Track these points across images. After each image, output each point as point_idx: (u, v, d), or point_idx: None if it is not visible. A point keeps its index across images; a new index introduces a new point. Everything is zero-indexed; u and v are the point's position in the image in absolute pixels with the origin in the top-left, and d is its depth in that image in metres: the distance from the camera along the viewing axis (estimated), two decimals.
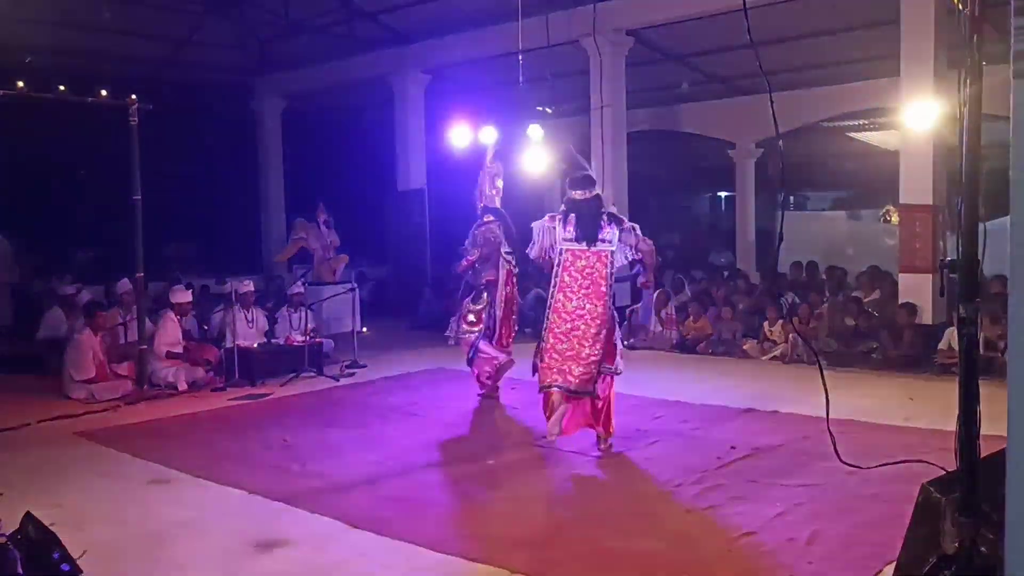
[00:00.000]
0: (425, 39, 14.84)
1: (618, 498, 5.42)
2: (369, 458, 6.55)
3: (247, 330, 10.06)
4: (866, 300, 11.23)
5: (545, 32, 10.28)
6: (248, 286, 10.42)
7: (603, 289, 6.41)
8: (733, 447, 6.51)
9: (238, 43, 16.88)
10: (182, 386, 9.29)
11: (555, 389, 6.42)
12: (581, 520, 5.03)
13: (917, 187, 10.11)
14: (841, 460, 3.67)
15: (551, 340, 6.44)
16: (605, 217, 6.55)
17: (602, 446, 6.52)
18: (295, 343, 10.26)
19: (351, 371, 10.29)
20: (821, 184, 20.04)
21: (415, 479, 5.97)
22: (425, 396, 8.85)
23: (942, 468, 3.40)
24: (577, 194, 6.52)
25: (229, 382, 9.48)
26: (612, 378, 6.53)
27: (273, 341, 10.38)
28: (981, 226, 2.69)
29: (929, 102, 9.53)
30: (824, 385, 3.24)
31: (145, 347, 9.31)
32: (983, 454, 2.79)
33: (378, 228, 16.64)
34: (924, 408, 7.63)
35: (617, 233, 6.50)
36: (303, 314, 10.63)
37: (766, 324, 10.93)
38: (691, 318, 11.57)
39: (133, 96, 9.32)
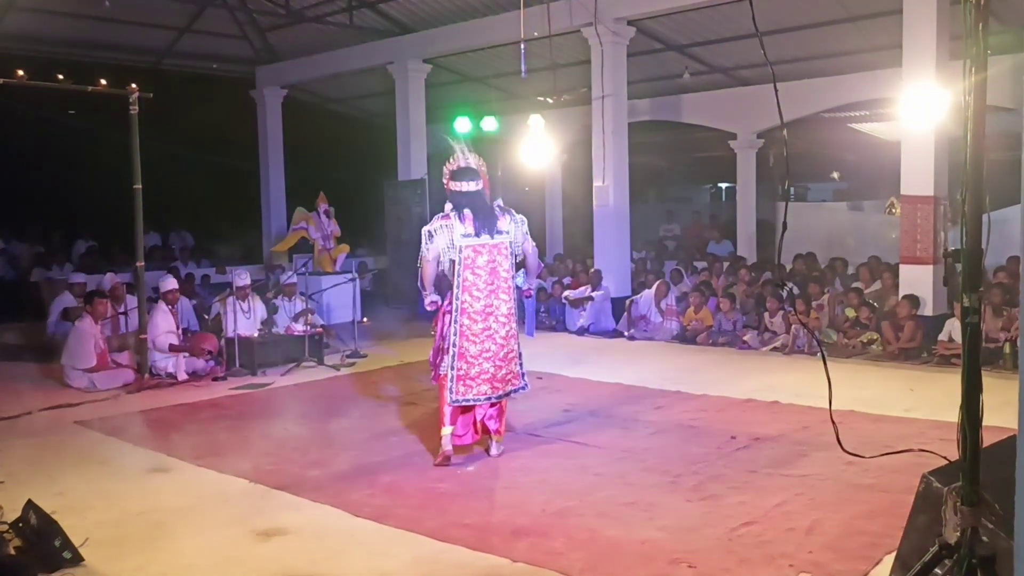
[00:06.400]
0: (426, 28, 14.81)
1: (618, 488, 5.42)
2: (370, 447, 6.57)
3: (244, 320, 10.04)
4: (867, 291, 11.23)
5: (546, 21, 10.26)
6: (245, 279, 10.33)
7: (508, 283, 6.09)
8: (733, 437, 6.52)
9: (239, 32, 16.87)
10: (182, 375, 9.29)
11: (479, 402, 6.06)
12: (581, 510, 5.04)
13: (918, 178, 10.09)
14: (843, 449, 3.67)
15: (463, 345, 5.96)
16: (497, 208, 6.17)
17: (495, 451, 6.22)
18: (295, 333, 10.28)
19: (352, 361, 10.31)
20: (822, 175, 20.04)
21: (415, 468, 5.97)
22: (425, 385, 8.85)
23: (943, 457, 3.40)
24: (465, 186, 6.05)
25: (230, 371, 9.50)
26: None
27: (274, 331, 10.38)
28: (984, 216, 2.68)
29: (931, 93, 9.51)
30: (827, 374, 3.24)
31: (145, 336, 9.32)
32: (984, 444, 2.79)
33: (378, 218, 16.66)
34: (924, 399, 7.64)
35: (511, 223, 6.15)
36: (296, 303, 10.67)
37: (767, 315, 10.93)
38: (692, 309, 11.58)
39: (133, 85, 9.32)
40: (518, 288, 6.41)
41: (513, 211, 6.26)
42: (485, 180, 6.19)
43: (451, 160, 6.23)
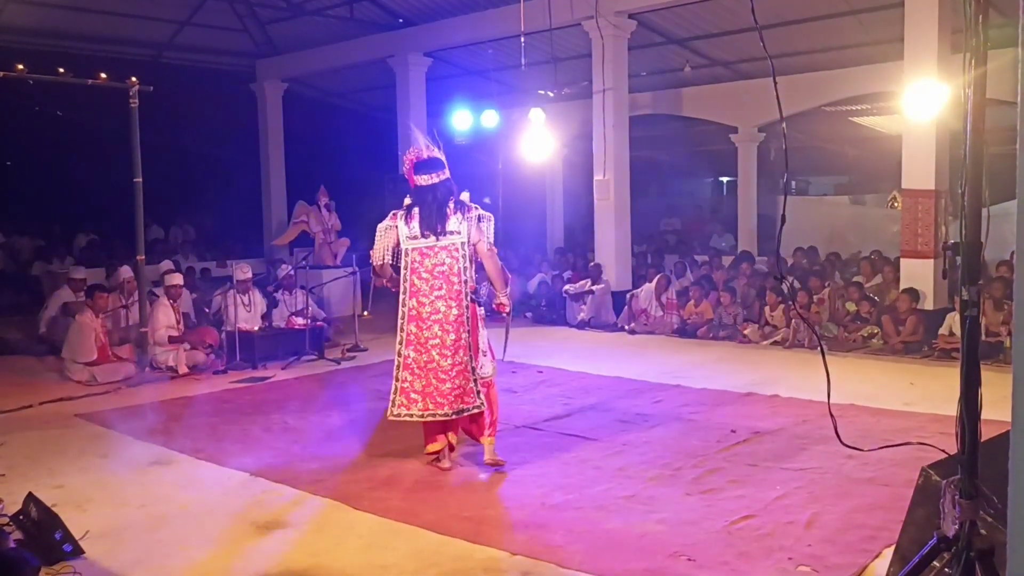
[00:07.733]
0: (427, 21, 14.80)
1: (618, 481, 5.43)
2: (369, 440, 6.58)
3: (245, 314, 10.04)
4: (867, 285, 11.23)
5: (547, 15, 10.24)
6: (245, 272, 10.28)
7: (457, 288, 5.53)
8: (733, 431, 6.53)
9: (239, 25, 16.84)
10: (183, 369, 9.28)
11: (423, 418, 5.59)
12: (580, 503, 5.04)
13: (919, 172, 10.09)
14: (842, 442, 3.68)
15: (408, 354, 5.57)
16: (452, 204, 5.61)
17: (489, 458, 5.76)
18: (296, 326, 10.28)
19: (352, 354, 10.31)
20: (823, 169, 20.01)
21: (415, 461, 5.97)
22: None
23: (942, 451, 3.41)
24: (422, 179, 5.61)
25: (230, 365, 9.49)
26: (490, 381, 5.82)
27: (273, 324, 10.38)
28: (984, 210, 2.68)
29: (932, 87, 9.50)
30: (826, 367, 3.24)
31: (146, 329, 9.33)
32: (983, 438, 2.79)
33: (379, 211, 16.66)
34: (924, 393, 7.65)
35: (464, 222, 5.59)
36: (296, 296, 10.67)
37: (767, 309, 10.93)
38: (692, 302, 11.58)
39: (134, 78, 9.31)
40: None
41: (474, 208, 5.71)
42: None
43: (411, 150, 5.79)
